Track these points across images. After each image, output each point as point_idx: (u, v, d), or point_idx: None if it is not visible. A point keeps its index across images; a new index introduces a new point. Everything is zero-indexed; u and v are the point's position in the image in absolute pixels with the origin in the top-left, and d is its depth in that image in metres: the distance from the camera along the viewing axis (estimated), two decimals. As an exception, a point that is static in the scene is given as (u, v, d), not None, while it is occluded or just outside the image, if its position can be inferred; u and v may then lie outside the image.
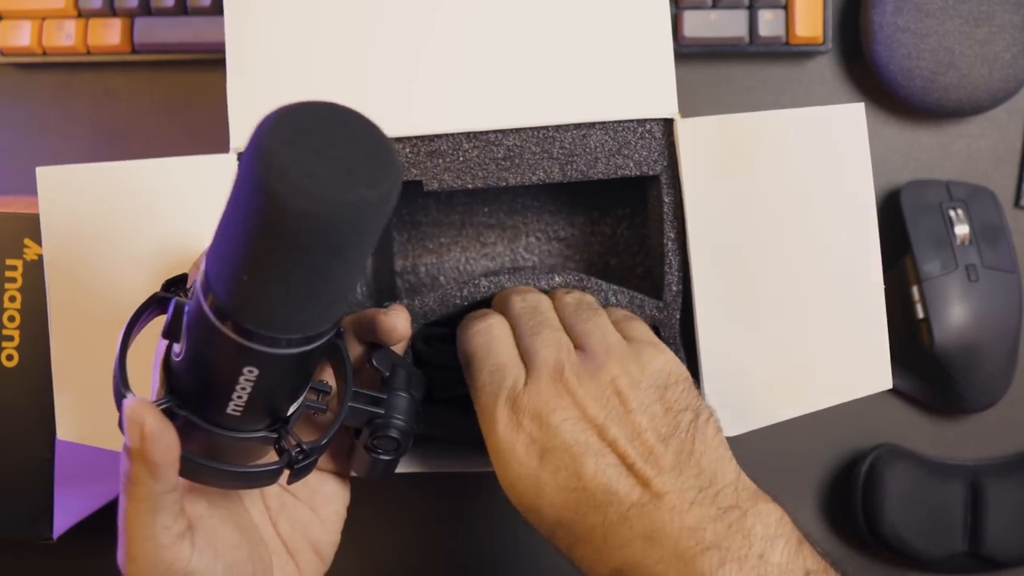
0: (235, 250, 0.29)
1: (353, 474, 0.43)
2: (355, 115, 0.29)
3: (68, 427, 0.44)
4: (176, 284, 0.36)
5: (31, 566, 0.60)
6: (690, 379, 0.40)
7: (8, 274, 0.51)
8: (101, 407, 0.43)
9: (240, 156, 0.28)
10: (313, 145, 0.28)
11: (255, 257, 0.29)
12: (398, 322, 0.40)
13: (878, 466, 0.57)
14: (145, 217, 0.44)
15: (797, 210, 0.44)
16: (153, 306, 0.36)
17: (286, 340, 0.31)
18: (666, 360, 0.40)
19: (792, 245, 0.44)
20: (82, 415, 0.44)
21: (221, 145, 0.45)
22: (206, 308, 0.31)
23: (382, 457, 0.40)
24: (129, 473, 0.34)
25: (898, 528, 0.56)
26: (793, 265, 0.44)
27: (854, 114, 0.44)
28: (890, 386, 0.44)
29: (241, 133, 0.44)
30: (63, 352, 0.44)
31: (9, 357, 0.51)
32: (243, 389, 0.33)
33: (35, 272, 0.50)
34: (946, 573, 0.58)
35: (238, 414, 0.34)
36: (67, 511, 0.53)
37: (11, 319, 0.51)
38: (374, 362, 0.40)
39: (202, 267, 0.32)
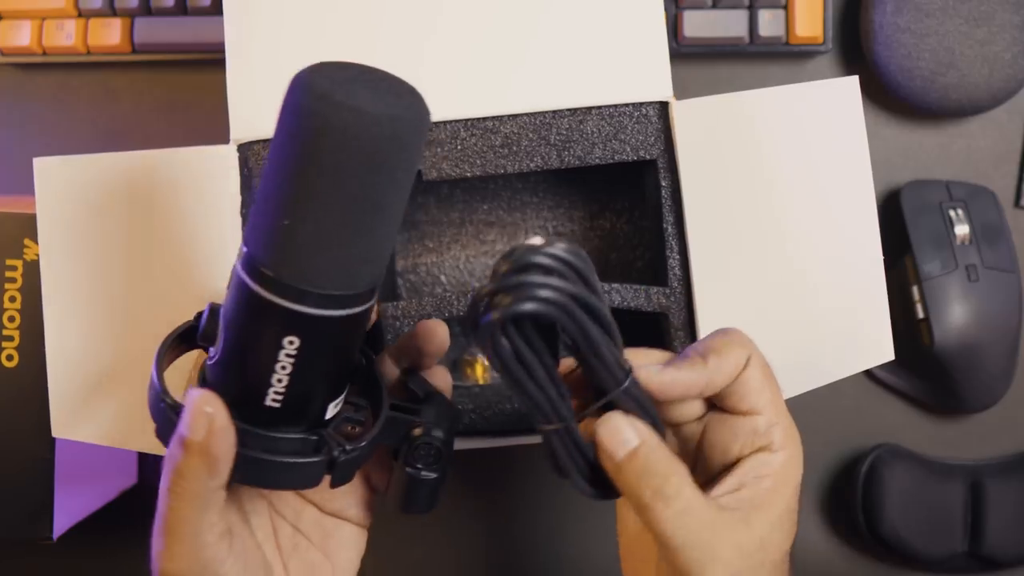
0: (276, 195, 0.31)
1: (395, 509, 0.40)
2: (382, 71, 0.32)
3: (63, 423, 0.44)
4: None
5: (31, 566, 0.60)
6: None
7: (8, 274, 0.51)
8: (96, 402, 0.44)
9: (279, 111, 0.31)
10: (350, 79, 0.31)
11: (296, 193, 0.30)
12: (437, 328, 0.39)
13: (878, 466, 0.57)
14: (143, 208, 0.44)
15: (794, 186, 0.44)
16: (177, 340, 0.36)
17: (326, 298, 0.32)
18: None
19: (790, 221, 0.44)
20: (77, 409, 0.44)
21: (221, 143, 0.45)
22: (245, 278, 0.32)
23: (424, 475, 0.38)
24: (181, 468, 0.33)
25: (898, 528, 0.56)
26: (791, 242, 0.44)
27: (848, 87, 0.44)
28: (892, 357, 0.44)
29: (241, 124, 0.45)
30: (58, 344, 0.44)
31: (9, 357, 0.51)
32: (283, 369, 0.33)
33: (35, 272, 0.50)
34: (946, 573, 0.58)
35: (277, 406, 0.34)
36: (67, 511, 0.53)
37: (11, 319, 0.51)
38: (410, 384, 0.39)
39: (240, 247, 0.32)
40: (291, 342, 0.32)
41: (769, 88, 0.44)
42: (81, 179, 0.44)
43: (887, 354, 0.44)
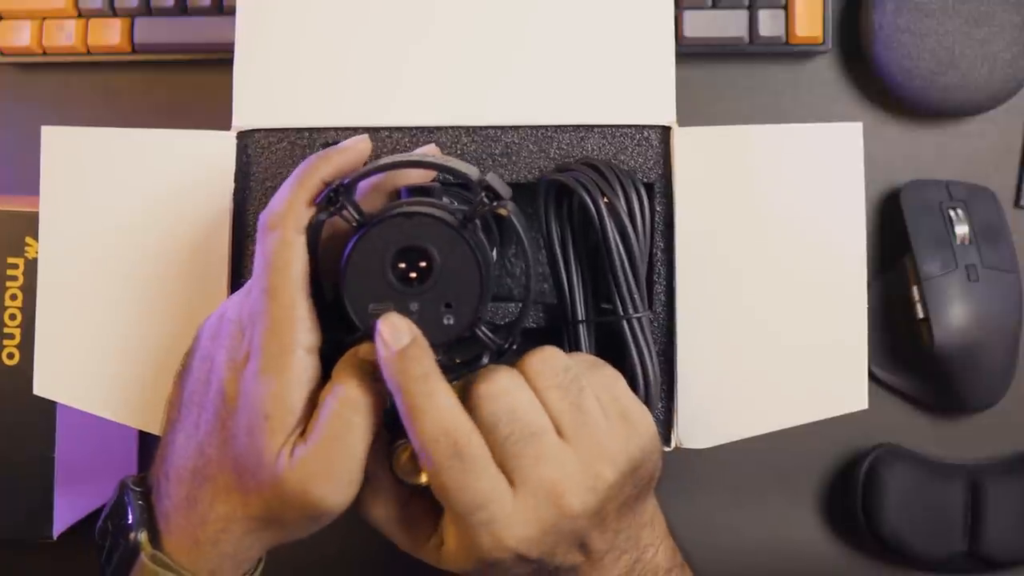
0: None
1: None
2: None
3: (45, 383, 0.45)
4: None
5: (31, 566, 0.60)
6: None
7: (9, 272, 0.51)
8: (82, 365, 0.44)
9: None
10: None
11: None
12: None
13: (878, 466, 0.57)
14: (142, 182, 0.45)
15: (787, 225, 0.44)
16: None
17: None
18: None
19: (778, 261, 0.44)
20: (61, 370, 0.45)
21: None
22: None
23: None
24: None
25: (898, 528, 0.56)
26: (778, 281, 0.44)
27: (851, 133, 0.44)
28: (866, 407, 0.44)
29: (244, 112, 0.45)
30: (50, 310, 0.45)
31: (10, 355, 0.51)
32: None
33: (36, 270, 0.50)
34: (946, 573, 0.58)
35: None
36: (67, 510, 0.53)
37: (12, 317, 0.51)
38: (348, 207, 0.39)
39: None
40: None
41: (772, 125, 0.44)
42: (85, 150, 0.45)
43: (862, 403, 0.44)
